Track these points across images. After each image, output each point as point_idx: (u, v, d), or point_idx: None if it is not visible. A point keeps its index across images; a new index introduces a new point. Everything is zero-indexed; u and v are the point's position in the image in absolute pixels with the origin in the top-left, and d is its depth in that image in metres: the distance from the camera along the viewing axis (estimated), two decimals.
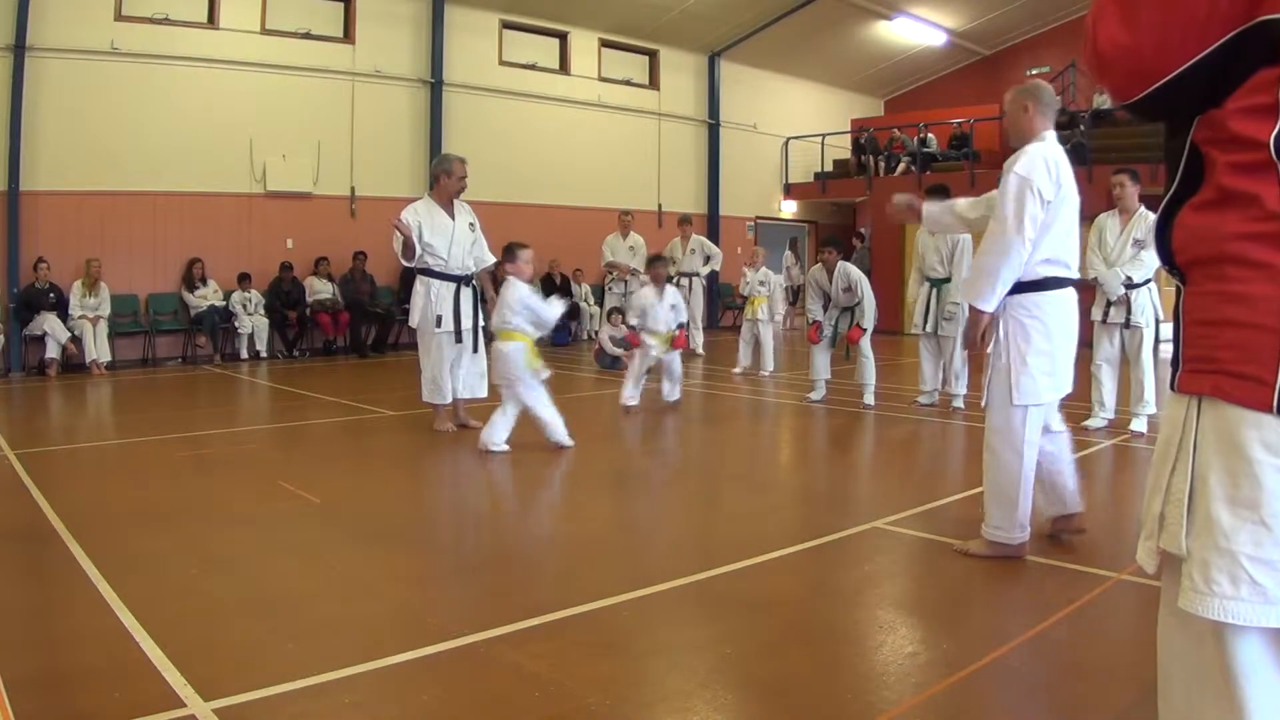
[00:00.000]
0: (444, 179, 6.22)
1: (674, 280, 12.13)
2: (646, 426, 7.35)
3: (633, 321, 7.46)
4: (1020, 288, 3.40)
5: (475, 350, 6.23)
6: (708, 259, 12.09)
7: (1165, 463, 1.09)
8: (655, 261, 7.70)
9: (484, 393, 6.36)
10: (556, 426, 5.61)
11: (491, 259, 6.50)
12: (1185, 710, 1.11)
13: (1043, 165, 3.29)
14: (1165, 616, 1.13)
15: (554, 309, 5.70)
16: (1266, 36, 0.94)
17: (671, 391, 7.39)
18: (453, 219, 6.12)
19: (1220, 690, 1.04)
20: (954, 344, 7.06)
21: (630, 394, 7.17)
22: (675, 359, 7.40)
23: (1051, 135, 3.42)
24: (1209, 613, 1.01)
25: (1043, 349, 3.38)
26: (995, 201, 3.39)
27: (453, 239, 6.08)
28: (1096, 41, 1.05)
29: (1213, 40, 0.97)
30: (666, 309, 7.31)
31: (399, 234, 5.94)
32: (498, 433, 5.56)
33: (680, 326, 7.43)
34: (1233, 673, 1.03)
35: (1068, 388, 3.52)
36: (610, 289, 12.40)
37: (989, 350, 3.53)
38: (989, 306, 3.35)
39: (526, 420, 5.61)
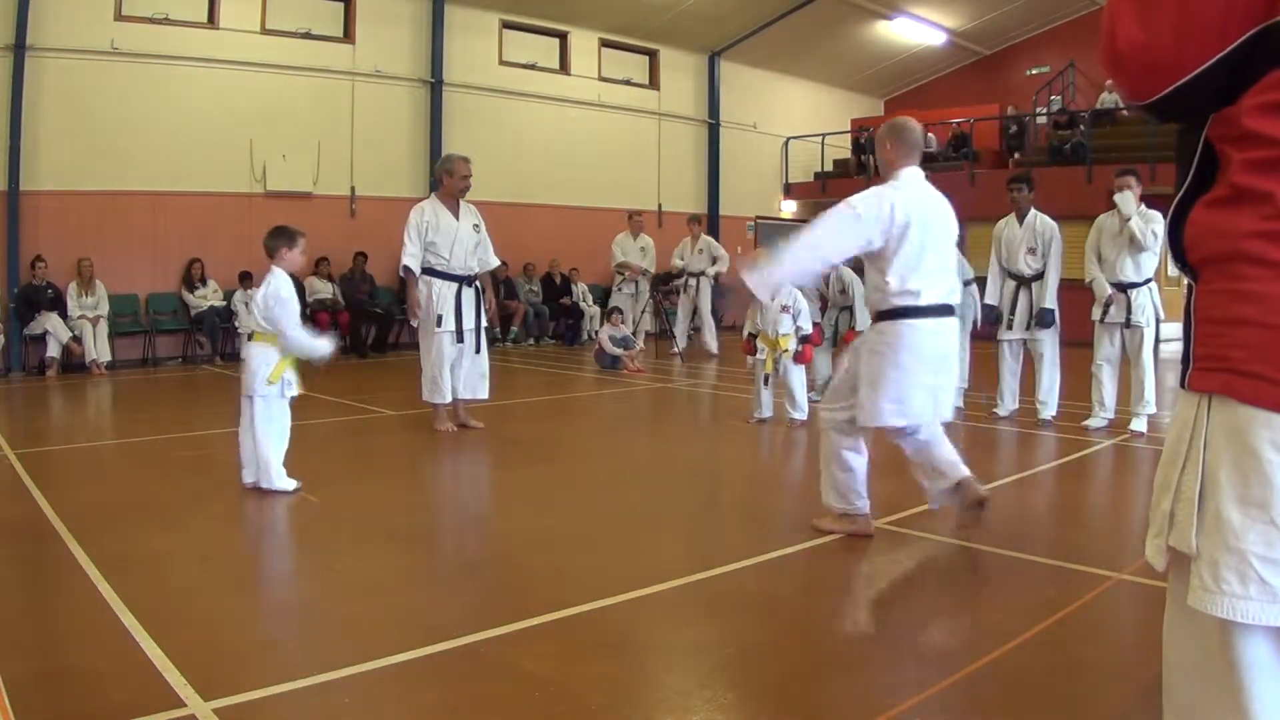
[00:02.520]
0: (446, 179, 6.25)
1: (683, 282, 12.03)
2: (646, 426, 7.35)
3: (750, 328, 6.74)
4: (878, 317, 3.64)
5: (477, 351, 6.23)
6: (714, 260, 12.01)
7: (1175, 461, 1.08)
8: None
9: (485, 394, 6.36)
10: (268, 464, 4.45)
11: (496, 261, 6.53)
12: (1190, 708, 1.11)
13: (875, 203, 3.47)
14: (1172, 614, 1.13)
15: (304, 339, 4.52)
16: None
17: (793, 409, 6.53)
18: (457, 219, 6.13)
19: (1226, 688, 1.04)
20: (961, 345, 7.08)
21: (755, 407, 6.64)
22: (792, 374, 6.48)
23: (906, 174, 3.61)
24: (1218, 611, 1.01)
25: (891, 376, 3.53)
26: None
27: (456, 239, 6.08)
28: (1114, 41, 1.04)
29: (1231, 39, 0.97)
30: (776, 310, 6.41)
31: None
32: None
33: (804, 340, 6.47)
34: (1239, 671, 1.03)
35: (923, 417, 3.59)
36: (620, 289, 12.34)
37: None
38: (764, 294, 3.55)
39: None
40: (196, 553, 3.60)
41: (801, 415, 6.54)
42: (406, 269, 6.04)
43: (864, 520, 3.80)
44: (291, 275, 4.59)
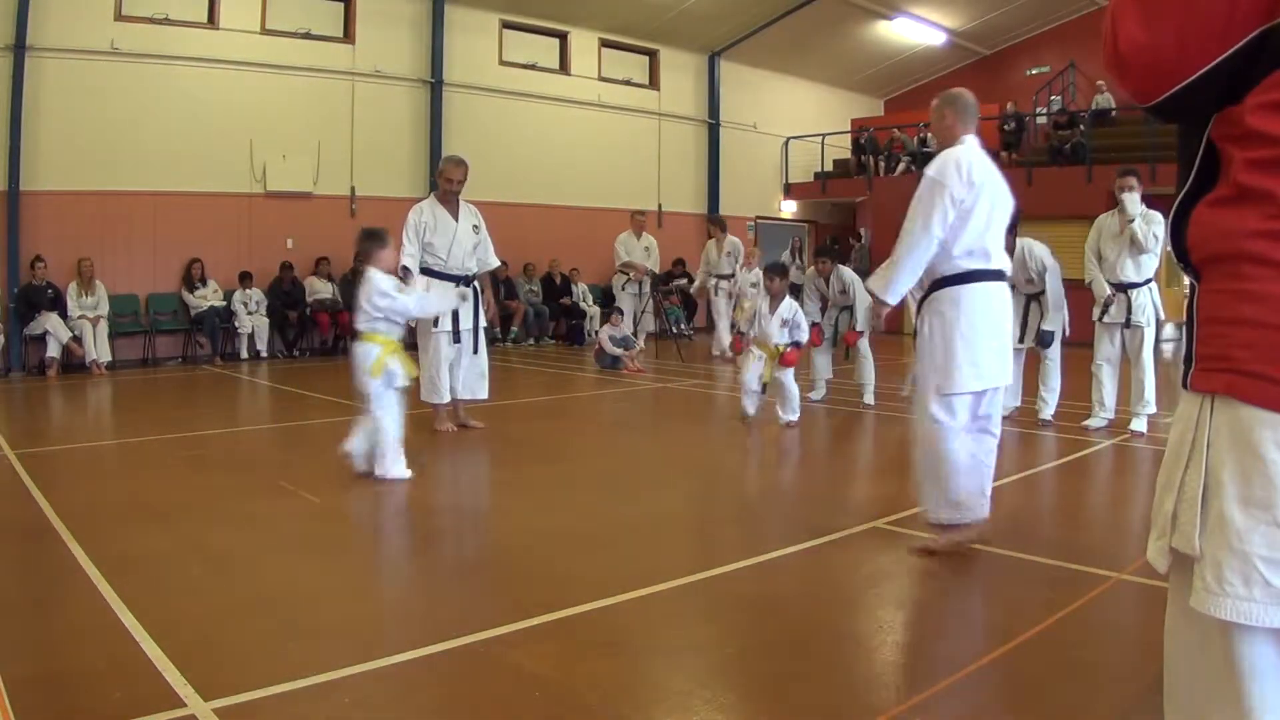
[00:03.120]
0: (438, 180, 6.28)
1: (714, 284, 11.80)
2: (646, 426, 7.35)
3: (744, 328, 6.74)
4: (941, 282, 3.54)
5: (475, 350, 6.23)
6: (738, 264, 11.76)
7: (1178, 461, 1.08)
8: (773, 270, 6.63)
9: (484, 394, 6.36)
10: (383, 455, 4.75)
11: (495, 261, 6.52)
12: (1191, 709, 1.11)
13: (953, 167, 3.48)
14: (1174, 615, 1.13)
15: (419, 300, 5.02)
16: None
17: (785, 411, 6.57)
18: (456, 220, 6.14)
19: (1227, 690, 1.04)
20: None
21: (745, 405, 6.52)
22: (787, 377, 6.52)
23: (970, 139, 3.62)
24: (1222, 613, 1.01)
25: (967, 339, 3.48)
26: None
27: (454, 240, 6.09)
28: (1117, 44, 1.04)
29: (1235, 40, 0.96)
30: (776, 322, 6.43)
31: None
32: (357, 448, 4.86)
33: (795, 345, 6.50)
34: (1241, 673, 1.02)
35: (996, 380, 3.58)
36: (624, 289, 12.30)
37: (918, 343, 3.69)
38: (892, 299, 3.56)
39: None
40: (196, 553, 3.60)
41: (794, 417, 6.54)
42: (404, 269, 6.05)
43: (975, 527, 3.58)
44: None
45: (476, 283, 6.26)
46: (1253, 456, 0.98)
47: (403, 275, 6.18)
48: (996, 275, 3.56)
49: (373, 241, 4.85)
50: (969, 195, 3.44)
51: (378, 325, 4.77)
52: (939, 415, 3.50)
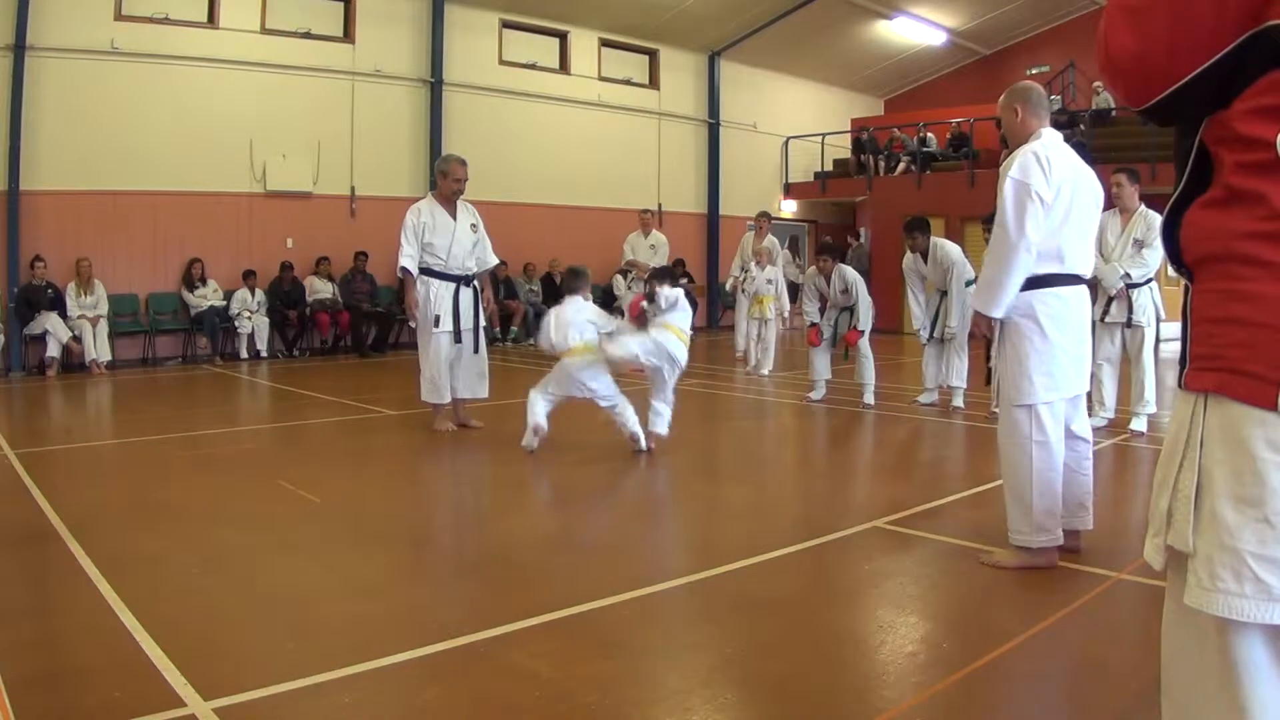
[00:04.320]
0: (441, 180, 6.24)
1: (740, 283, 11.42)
2: (644, 426, 7.34)
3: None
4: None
5: (475, 350, 6.22)
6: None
7: (1173, 459, 1.09)
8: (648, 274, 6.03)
9: (484, 393, 6.35)
10: (632, 420, 5.60)
11: (494, 260, 6.51)
12: (1188, 705, 1.12)
13: (1035, 165, 3.25)
14: (1170, 612, 1.14)
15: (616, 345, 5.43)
16: (1274, 40, 0.96)
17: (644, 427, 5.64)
18: (454, 219, 6.13)
19: (1223, 686, 1.05)
20: (955, 342, 7.12)
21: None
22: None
23: (1047, 132, 3.39)
24: (1214, 609, 1.02)
25: (1039, 348, 3.31)
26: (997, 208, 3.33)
27: (454, 239, 6.08)
28: (1109, 49, 1.07)
29: (1222, 45, 0.99)
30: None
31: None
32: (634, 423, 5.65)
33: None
34: (1235, 669, 1.04)
35: (1073, 389, 3.44)
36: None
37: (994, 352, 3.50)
38: (999, 313, 3.32)
39: (524, 417, 5.55)
40: (197, 553, 3.60)
41: (637, 433, 5.60)
42: (404, 270, 6.05)
43: (1053, 552, 3.39)
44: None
45: (476, 282, 6.26)
46: (1243, 454, 1.00)
47: (401, 276, 6.19)
48: (1072, 280, 3.38)
49: (579, 279, 5.70)
50: (1050, 195, 3.24)
51: (592, 338, 5.49)
52: (1026, 430, 3.33)
